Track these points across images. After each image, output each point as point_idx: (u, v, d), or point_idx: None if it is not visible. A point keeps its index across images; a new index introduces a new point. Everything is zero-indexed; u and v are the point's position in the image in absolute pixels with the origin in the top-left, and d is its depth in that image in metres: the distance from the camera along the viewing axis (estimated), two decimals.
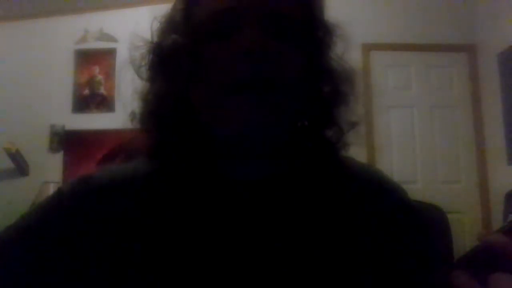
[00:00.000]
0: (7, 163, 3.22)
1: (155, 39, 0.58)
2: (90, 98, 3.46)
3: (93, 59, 3.50)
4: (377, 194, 0.59)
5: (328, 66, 0.58)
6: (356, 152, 0.62)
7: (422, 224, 0.61)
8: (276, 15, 0.53)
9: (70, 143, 3.36)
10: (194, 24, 0.55)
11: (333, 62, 0.58)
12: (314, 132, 0.58)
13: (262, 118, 0.50)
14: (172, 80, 0.55)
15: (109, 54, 3.44)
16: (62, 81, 3.46)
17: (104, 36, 3.49)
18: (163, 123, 0.56)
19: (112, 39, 3.47)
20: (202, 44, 0.53)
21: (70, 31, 3.49)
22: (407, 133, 3.34)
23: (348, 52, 0.59)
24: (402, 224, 0.58)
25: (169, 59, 0.56)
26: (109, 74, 3.45)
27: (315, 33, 0.57)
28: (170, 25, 0.57)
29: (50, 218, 0.54)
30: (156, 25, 0.58)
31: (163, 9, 0.59)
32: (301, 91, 0.54)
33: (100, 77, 3.48)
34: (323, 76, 0.58)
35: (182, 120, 0.55)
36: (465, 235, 2.91)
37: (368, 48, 3.24)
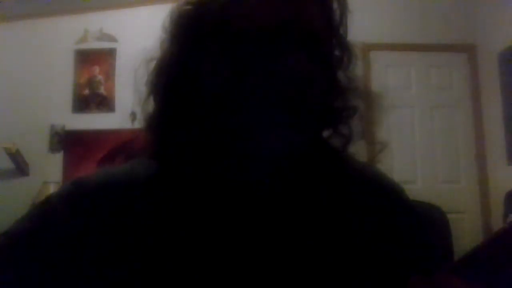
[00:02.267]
0: (7, 163, 3.22)
1: (180, 32, 0.56)
2: (90, 98, 3.46)
3: (93, 59, 3.50)
4: (376, 193, 0.59)
5: (347, 84, 0.58)
6: (356, 152, 0.62)
7: (422, 224, 0.61)
8: (315, 37, 0.52)
9: (70, 143, 3.36)
10: (237, 30, 0.52)
11: (351, 81, 0.59)
12: (322, 143, 0.59)
13: (287, 136, 0.51)
14: (197, 81, 0.54)
15: (109, 54, 3.44)
16: (62, 81, 3.46)
17: (104, 36, 3.49)
18: (172, 125, 0.55)
19: (112, 39, 3.47)
20: (245, 55, 0.51)
21: (70, 31, 3.49)
22: (407, 133, 3.34)
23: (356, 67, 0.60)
24: (401, 224, 0.58)
25: (198, 57, 0.54)
26: (109, 74, 3.45)
27: (338, 51, 0.58)
28: (201, 22, 0.54)
29: (44, 223, 0.54)
30: (180, 18, 0.56)
31: (164, 9, 0.58)
32: (322, 108, 0.55)
33: (100, 77, 3.48)
34: (342, 94, 0.58)
35: (192, 123, 0.54)
36: (465, 235, 2.91)
37: (368, 48, 3.24)
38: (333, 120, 0.58)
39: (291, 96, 0.50)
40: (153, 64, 0.57)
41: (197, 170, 0.54)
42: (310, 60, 0.51)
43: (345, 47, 0.58)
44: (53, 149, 3.37)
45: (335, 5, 0.57)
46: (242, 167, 0.54)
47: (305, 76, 0.50)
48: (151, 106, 0.57)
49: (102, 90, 3.46)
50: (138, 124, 0.58)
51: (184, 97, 0.54)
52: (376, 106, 0.60)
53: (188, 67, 0.54)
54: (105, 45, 3.47)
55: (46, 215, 0.55)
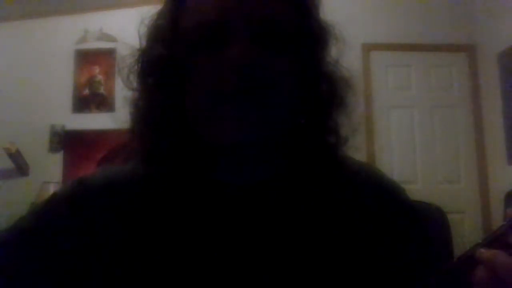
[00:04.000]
0: (7, 163, 3.22)
1: (142, 45, 0.58)
2: (90, 98, 3.46)
3: (93, 59, 3.50)
4: (376, 193, 0.59)
5: (322, 69, 0.58)
6: (356, 152, 0.62)
7: (422, 224, 0.61)
8: (266, 22, 0.52)
9: (70, 143, 3.36)
10: (182, 33, 0.54)
11: (327, 65, 0.58)
12: (311, 134, 0.58)
13: (253, 124, 0.50)
14: (162, 90, 0.55)
15: (109, 54, 3.44)
16: (62, 81, 3.46)
17: (104, 36, 3.49)
18: (155, 129, 0.55)
19: (112, 39, 3.47)
20: (192, 55, 0.53)
21: (70, 31, 3.48)
22: (407, 133, 3.34)
23: (346, 52, 0.59)
24: (401, 224, 0.58)
25: (158, 68, 0.55)
26: (109, 74, 3.45)
27: (308, 37, 0.57)
28: (157, 32, 0.57)
29: (46, 222, 0.54)
30: (143, 30, 0.58)
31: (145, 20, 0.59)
32: (293, 96, 0.54)
33: (100, 77, 3.48)
34: (317, 80, 0.57)
35: (174, 126, 0.55)
36: (465, 235, 2.91)
37: (368, 48, 3.24)
38: (315, 107, 0.57)
39: (247, 84, 0.50)
40: (134, 67, 0.58)
41: (187, 172, 0.54)
42: (265, 48, 0.51)
43: (318, 31, 0.57)
44: (53, 149, 3.37)
45: None
46: (233, 168, 0.54)
47: (255, 61, 0.50)
48: (138, 112, 0.57)
49: (102, 90, 3.46)
50: (130, 130, 0.58)
51: (154, 108, 0.55)
52: (352, 90, 0.59)
53: (152, 79, 0.56)
54: (105, 45, 3.47)
55: (48, 214, 0.55)
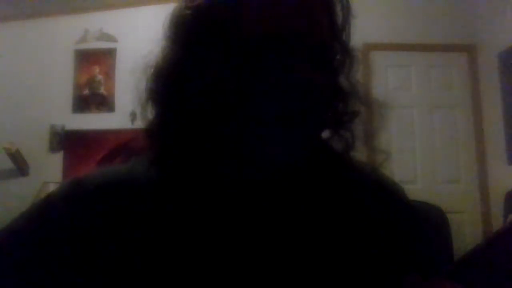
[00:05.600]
0: (7, 163, 3.22)
1: (185, 35, 0.54)
2: (90, 98, 3.46)
3: (93, 59, 3.50)
4: (376, 193, 0.59)
5: (349, 89, 0.58)
6: (356, 152, 0.62)
7: (421, 224, 0.61)
8: (320, 45, 0.52)
9: (70, 143, 3.36)
10: (247, 36, 0.50)
11: (353, 86, 0.58)
12: (323, 145, 0.59)
13: (293, 145, 0.51)
14: (205, 85, 0.52)
15: (109, 54, 3.44)
16: (62, 81, 3.45)
17: (104, 36, 3.49)
18: (172, 130, 0.54)
19: (112, 39, 3.47)
20: (254, 61, 0.50)
21: (70, 31, 3.49)
22: (407, 133, 3.34)
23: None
24: (401, 224, 0.58)
25: (205, 61, 0.52)
26: (109, 74, 3.45)
27: (341, 59, 0.57)
28: (207, 25, 0.53)
29: (43, 222, 0.54)
30: (182, 20, 0.54)
31: (164, 9, 0.57)
32: (326, 117, 0.55)
33: (100, 77, 3.48)
34: (344, 99, 0.58)
35: (196, 129, 0.54)
36: (465, 235, 2.91)
37: (368, 48, 3.23)
38: (335, 124, 0.58)
39: (295, 103, 0.49)
40: (152, 69, 0.56)
41: (199, 174, 0.54)
42: (314, 67, 0.51)
43: (347, 52, 0.58)
44: (53, 149, 3.37)
45: (338, 9, 0.56)
46: (245, 171, 0.54)
47: (310, 84, 0.50)
48: (150, 111, 0.56)
49: (102, 90, 3.46)
50: (138, 124, 0.57)
51: (184, 103, 0.53)
52: (377, 111, 0.60)
53: (189, 72, 0.53)
54: (105, 45, 3.47)
55: (45, 214, 0.55)
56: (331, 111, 0.57)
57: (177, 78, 0.54)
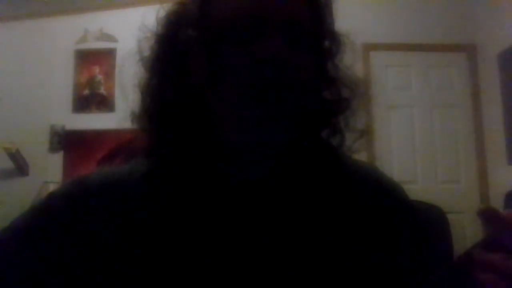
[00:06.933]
0: (7, 163, 3.22)
1: (165, 31, 0.56)
2: (90, 98, 3.46)
3: (93, 59, 3.50)
4: (376, 193, 0.59)
5: (336, 74, 0.58)
6: (356, 152, 0.62)
7: (421, 224, 0.61)
8: (295, 23, 0.52)
9: (70, 143, 3.36)
10: (214, 23, 0.53)
11: (340, 71, 0.58)
12: (316, 135, 0.58)
13: (274, 126, 0.50)
14: (181, 78, 0.54)
15: (109, 54, 3.44)
16: (62, 81, 3.46)
17: (104, 36, 3.49)
18: (165, 121, 0.55)
19: (112, 39, 3.47)
20: (222, 46, 0.51)
21: (70, 31, 3.49)
22: (407, 133, 3.34)
23: (346, 52, 0.59)
24: (401, 223, 0.58)
25: (182, 54, 0.54)
26: (109, 74, 3.45)
27: (326, 41, 0.58)
28: (183, 19, 0.56)
29: (44, 221, 0.54)
30: (165, 17, 0.57)
31: (164, 8, 0.58)
32: (311, 99, 0.54)
33: (100, 77, 3.48)
34: (331, 83, 0.58)
35: (186, 119, 0.54)
36: (465, 235, 2.91)
37: (368, 48, 3.23)
38: (325, 112, 0.58)
39: (276, 83, 0.49)
40: (141, 64, 0.57)
41: (195, 175, 0.54)
42: (292, 47, 0.51)
43: (332, 36, 0.58)
44: (53, 149, 3.37)
45: None
46: (237, 164, 0.54)
47: (286, 60, 0.50)
48: (139, 106, 0.57)
49: (102, 90, 3.46)
50: (136, 121, 0.58)
51: (171, 97, 0.54)
52: (361, 94, 0.59)
53: (174, 65, 0.55)
54: (105, 45, 3.47)
55: (46, 213, 0.55)
56: (318, 98, 0.56)
57: (162, 73, 0.56)
